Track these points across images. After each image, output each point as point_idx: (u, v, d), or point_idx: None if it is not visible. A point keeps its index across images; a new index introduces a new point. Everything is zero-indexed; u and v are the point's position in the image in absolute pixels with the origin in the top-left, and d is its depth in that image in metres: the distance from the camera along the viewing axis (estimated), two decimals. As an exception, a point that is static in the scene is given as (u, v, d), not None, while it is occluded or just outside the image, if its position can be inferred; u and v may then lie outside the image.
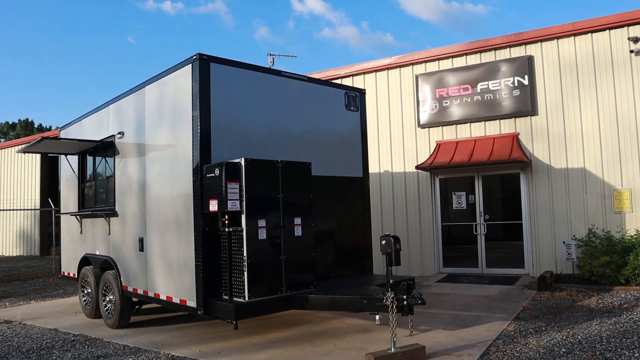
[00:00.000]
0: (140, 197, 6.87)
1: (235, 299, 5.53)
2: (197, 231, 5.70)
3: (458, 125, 11.74)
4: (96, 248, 8.15)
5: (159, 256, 6.43)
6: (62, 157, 9.50)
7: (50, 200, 14.47)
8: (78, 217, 8.73)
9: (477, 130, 11.51)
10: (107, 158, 7.95)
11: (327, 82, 7.51)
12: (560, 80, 10.63)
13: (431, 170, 11.69)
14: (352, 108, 7.55)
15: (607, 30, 10.20)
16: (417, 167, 11.47)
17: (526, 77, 10.93)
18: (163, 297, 6.35)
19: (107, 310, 7.71)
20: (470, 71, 11.57)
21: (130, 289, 7.13)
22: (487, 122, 11.40)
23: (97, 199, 8.40)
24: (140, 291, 6.87)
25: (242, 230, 5.46)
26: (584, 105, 10.37)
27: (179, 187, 6.03)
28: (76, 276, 8.91)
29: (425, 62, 12.25)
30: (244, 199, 5.47)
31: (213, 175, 5.52)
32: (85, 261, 8.56)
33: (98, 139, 8.00)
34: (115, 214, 7.51)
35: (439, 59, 12.09)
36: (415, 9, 75.50)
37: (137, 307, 7.68)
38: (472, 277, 11.02)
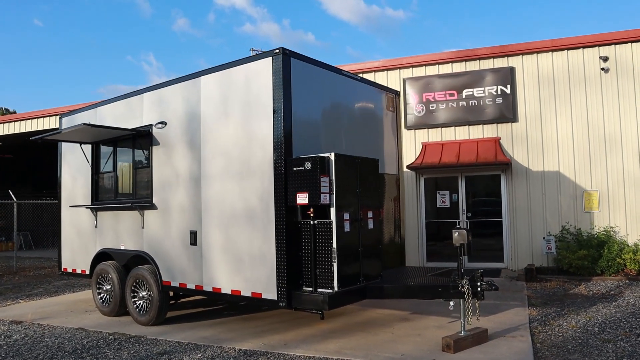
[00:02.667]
0: (193, 190, 6.73)
1: (320, 289, 5.68)
2: (280, 224, 5.76)
3: (443, 128, 12.52)
4: (121, 242, 7.79)
5: (221, 250, 6.37)
6: (65, 147, 8.93)
7: (10, 192, 13.28)
8: (92, 210, 8.26)
9: (461, 133, 12.37)
10: (139, 149, 7.63)
11: (373, 83, 7.80)
12: (538, 91, 11.76)
13: (418, 169, 12.36)
14: (390, 108, 7.93)
15: (581, 49, 11.47)
16: (407, 167, 12.08)
17: (508, 86, 11.95)
18: (226, 290, 6.30)
19: (138, 307, 7.43)
20: (456, 78, 12.40)
21: (175, 284, 6.95)
22: (470, 126, 12.29)
23: (119, 191, 8.03)
24: (191, 286, 6.73)
25: (330, 223, 5.63)
26: (560, 115, 11.57)
27: (254, 180, 6.04)
28: (86, 272, 8.43)
29: (412, 67, 12.91)
30: (334, 192, 5.64)
31: (302, 169, 5.63)
32: (102, 256, 8.14)
33: (125, 128, 7.65)
34: (152, 207, 7.26)
35: (425, 65, 12.81)
36: (336, 10, 77.30)
37: (172, 302, 7.50)
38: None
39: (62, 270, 8.99)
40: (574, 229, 11.19)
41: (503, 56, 12.08)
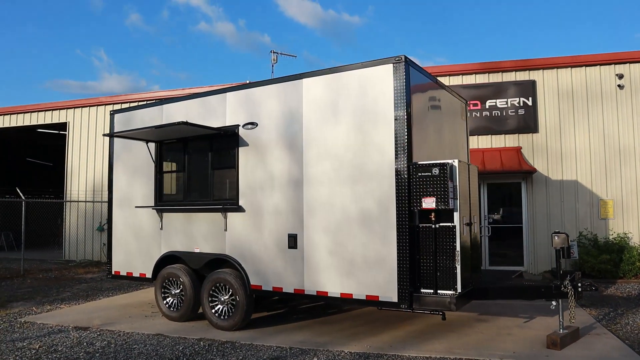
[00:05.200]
0: (293, 192, 6.68)
1: (440, 291, 5.82)
2: (402, 228, 5.85)
3: (466, 137, 12.96)
4: (194, 245, 7.58)
5: (328, 253, 6.36)
6: (119, 145, 8.57)
7: (18, 190, 12.47)
8: (158, 211, 7.98)
9: (484, 142, 12.87)
10: (220, 149, 7.46)
11: (453, 91, 8.02)
12: (558, 104, 12.46)
13: (443, 176, 12.72)
14: (463, 117, 8.20)
15: (598, 66, 12.27)
16: (435, 173, 12.41)
17: (530, 98, 12.57)
18: (334, 294, 6.30)
19: (218, 311, 7.25)
20: (480, 89, 12.90)
21: (267, 288, 6.85)
22: (493, 136, 12.82)
23: (191, 192, 7.81)
24: (288, 290, 6.67)
25: (454, 227, 5.79)
26: (578, 128, 12.31)
27: (370, 184, 6.09)
28: (146, 276, 8.13)
29: (437, 76, 13.26)
30: (457, 197, 5.81)
31: (429, 174, 5.76)
32: (167, 260, 7.88)
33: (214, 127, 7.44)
34: (239, 209, 7.13)
35: (449, 75, 13.24)
36: (293, 12, 77.65)
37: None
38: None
39: (114, 273, 8.60)
40: (591, 235, 11.91)
41: (525, 69, 12.71)
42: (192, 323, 7.61)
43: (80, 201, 15.40)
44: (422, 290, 5.93)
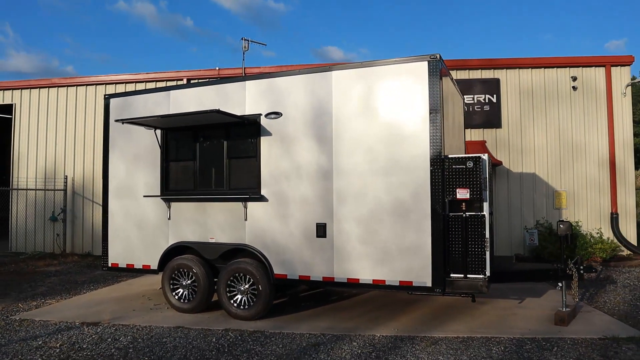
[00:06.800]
0: (321, 183, 6.78)
1: (470, 275, 6.25)
2: (437, 217, 6.19)
3: (435, 130, 13.63)
4: (209, 235, 7.46)
5: (359, 242, 6.55)
6: (116, 131, 8.16)
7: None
8: (165, 200, 7.73)
9: (452, 136, 13.59)
10: (238, 138, 7.37)
11: (457, 87, 8.44)
12: (519, 102, 13.44)
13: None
14: (462, 111, 8.68)
15: (555, 68, 13.38)
16: (409, 164, 12.96)
17: (495, 96, 13.45)
18: (366, 281, 6.53)
19: (237, 301, 7.22)
20: (449, 85, 13.57)
21: (292, 277, 6.93)
22: (460, 130, 13.57)
23: (203, 181, 7.63)
24: (316, 278, 6.80)
25: (483, 216, 6.23)
26: (536, 125, 13.36)
27: (403, 176, 6.35)
28: (151, 268, 7.88)
29: (408, 71, 13.80)
30: (487, 188, 6.25)
31: (463, 167, 6.14)
32: (176, 250, 7.68)
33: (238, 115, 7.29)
34: (261, 199, 7.12)
35: (420, 71, 13.77)
36: None
37: (272, 295, 7.43)
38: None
39: (110, 265, 8.21)
40: (547, 224, 13.03)
41: (490, 68, 13.55)
42: (205, 314, 7.50)
43: (30, 189, 14.30)
44: (452, 275, 6.32)
